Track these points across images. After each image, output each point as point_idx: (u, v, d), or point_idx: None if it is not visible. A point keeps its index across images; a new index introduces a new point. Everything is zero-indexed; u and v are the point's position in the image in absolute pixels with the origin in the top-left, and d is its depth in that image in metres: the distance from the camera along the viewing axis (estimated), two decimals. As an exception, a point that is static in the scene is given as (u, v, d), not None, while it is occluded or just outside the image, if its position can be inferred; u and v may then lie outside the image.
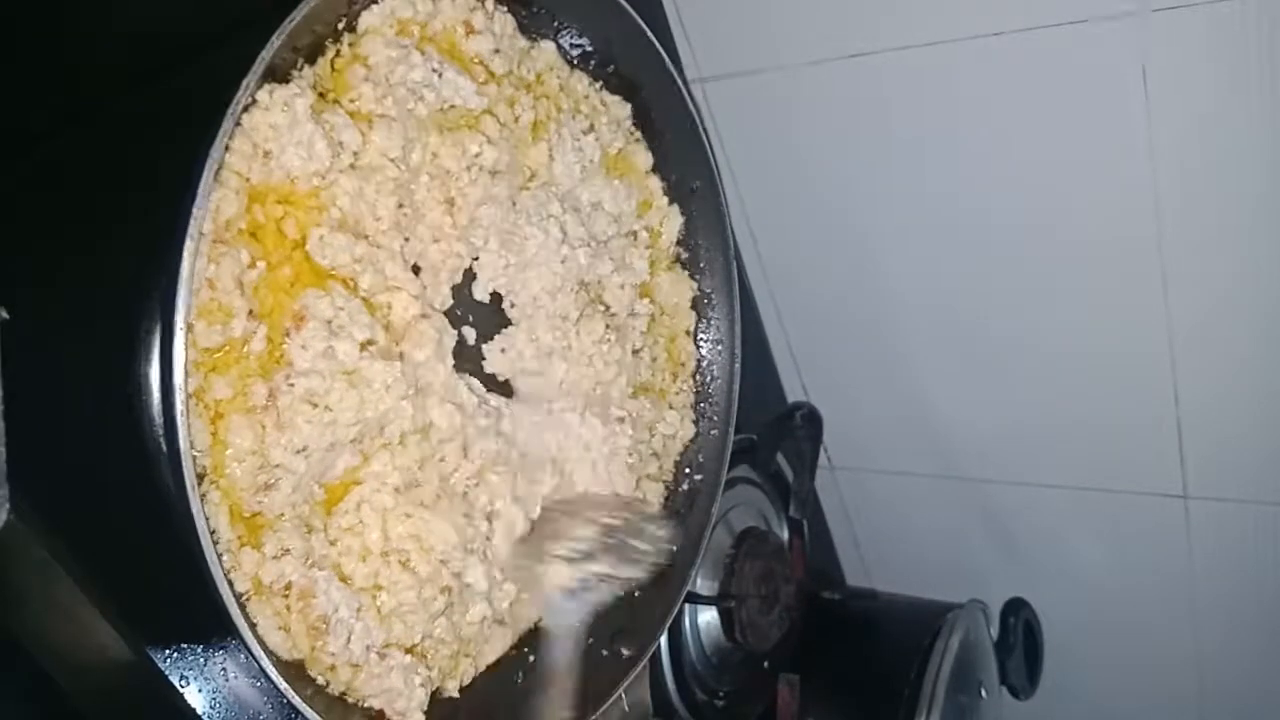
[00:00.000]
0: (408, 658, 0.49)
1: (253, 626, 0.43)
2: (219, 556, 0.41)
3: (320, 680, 0.46)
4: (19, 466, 0.36)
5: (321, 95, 0.48)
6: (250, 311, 0.44)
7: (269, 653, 0.43)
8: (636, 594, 0.62)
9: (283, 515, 0.45)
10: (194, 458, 0.40)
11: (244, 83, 0.40)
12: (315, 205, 0.47)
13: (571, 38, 0.60)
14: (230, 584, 0.42)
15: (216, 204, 0.42)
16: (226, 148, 0.42)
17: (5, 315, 0.37)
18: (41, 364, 0.40)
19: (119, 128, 0.48)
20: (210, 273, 0.42)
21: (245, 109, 0.43)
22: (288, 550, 0.45)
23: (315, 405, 0.45)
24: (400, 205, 0.50)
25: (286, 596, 0.45)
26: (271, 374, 0.44)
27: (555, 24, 0.59)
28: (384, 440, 0.49)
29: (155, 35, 0.50)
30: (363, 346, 0.47)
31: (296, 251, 0.46)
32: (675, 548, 0.59)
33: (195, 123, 0.41)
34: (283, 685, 0.42)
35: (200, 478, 0.42)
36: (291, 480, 0.45)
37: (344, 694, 0.47)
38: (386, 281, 0.49)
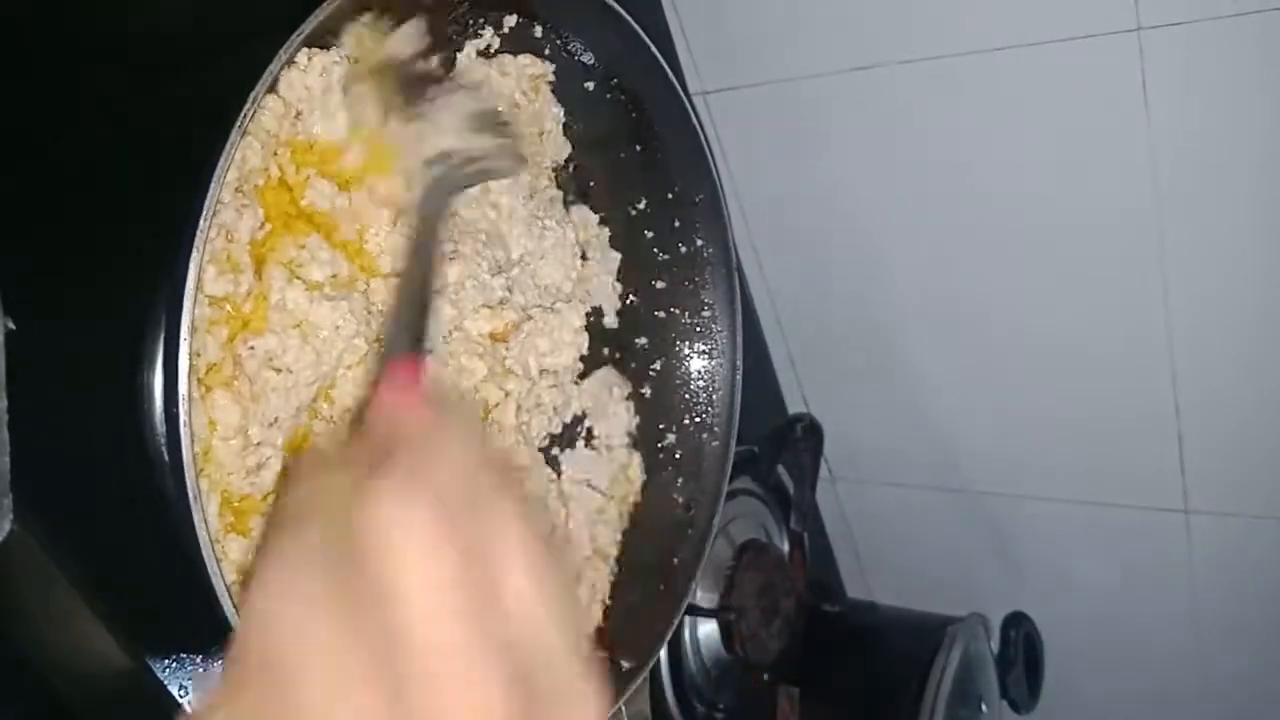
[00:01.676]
0: None
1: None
2: (214, 550, 0.40)
3: None
4: (22, 476, 0.37)
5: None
6: (255, 271, 0.44)
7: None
8: (637, 604, 0.62)
9: (269, 496, 0.45)
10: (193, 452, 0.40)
11: (252, 94, 0.40)
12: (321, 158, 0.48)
13: (576, 52, 0.60)
14: (225, 583, 0.41)
15: (243, 153, 0.43)
16: (245, 132, 0.42)
17: (11, 325, 0.37)
18: (44, 373, 0.40)
19: (123, 130, 0.48)
20: (229, 222, 0.43)
21: (283, 67, 0.43)
22: None
23: (278, 370, 0.45)
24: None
25: None
26: (235, 344, 0.44)
27: (561, 38, 0.59)
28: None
29: (159, 37, 0.50)
30: (315, 286, 0.46)
31: (292, 207, 0.47)
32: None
33: (201, 124, 0.41)
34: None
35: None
36: (279, 457, 0.45)
37: None
38: (365, 227, 0.49)
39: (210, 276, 0.42)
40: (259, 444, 0.44)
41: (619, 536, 0.64)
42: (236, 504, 0.44)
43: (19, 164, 0.44)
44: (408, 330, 0.37)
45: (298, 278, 0.45)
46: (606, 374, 0.65)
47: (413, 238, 0.44)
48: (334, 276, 0.47)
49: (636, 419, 0.66)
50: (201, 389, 0.43)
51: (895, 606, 0.94)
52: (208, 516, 0.41)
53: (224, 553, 0.43)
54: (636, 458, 0.66)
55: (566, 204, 0.62)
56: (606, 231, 0.65)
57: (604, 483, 0.63)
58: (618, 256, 0.65)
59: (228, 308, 0.44)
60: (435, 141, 0.47)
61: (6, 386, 0.36)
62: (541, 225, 0.57)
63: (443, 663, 0.23)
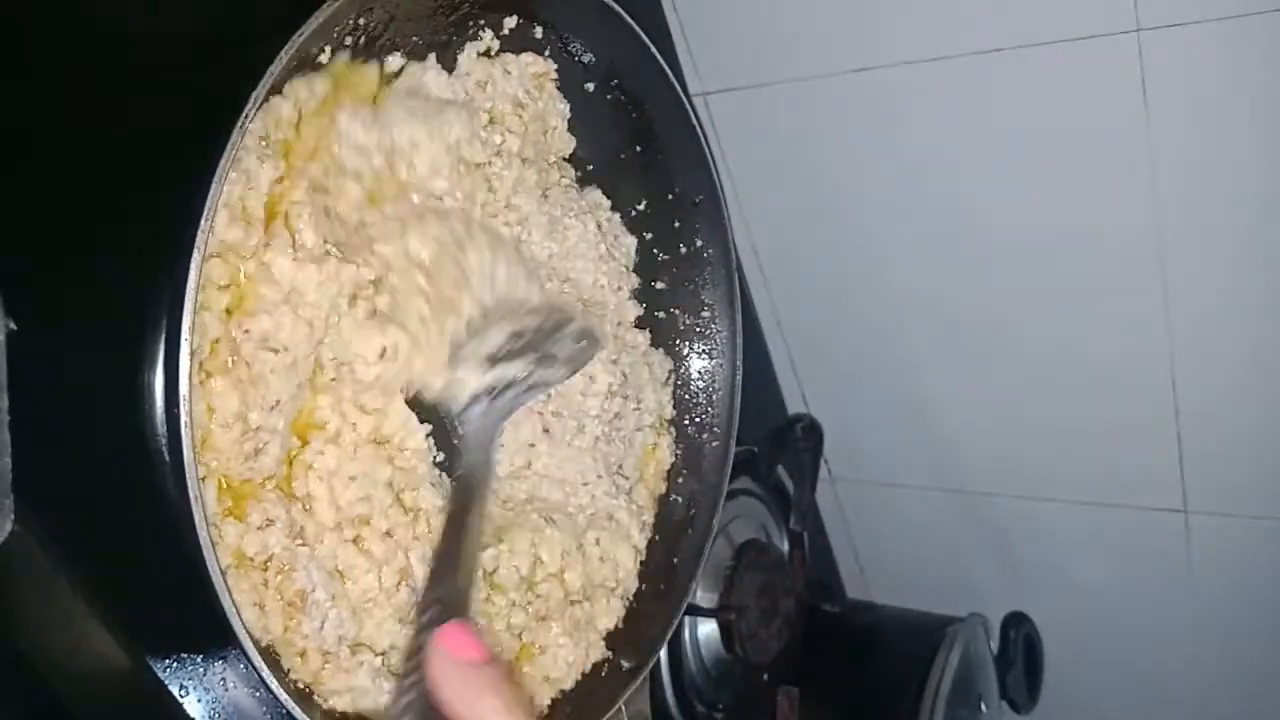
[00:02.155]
0: (379, 659, 0.48)
1: (239, 611, 0.42)
2: (214, 550, 0.40)
3: (290, 672, 0.45)
4: (22, 476, 0.37)
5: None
6: (265, 227, 0.44)
7: (252, 636, 0.42)
8: (636, 604, 0.62)
9: (268, 481, 0.45)
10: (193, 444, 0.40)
11: (253, 94, 0.40)
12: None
13: (576, 53, 0.60)
14: (223, 574, 0.40)
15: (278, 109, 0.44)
16: (235, 156, 0.42)
17: (13, 326, 0.37)
18: (44, 373, 0.40)
19: (123, 130, 0.48)
20: (250, 168, 0.43)
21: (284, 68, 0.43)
22: (273, 521, 0.44)
23: (275, 350, 0.45)
24: None
25: (265, 570, 0.44)
26: (229, 327, 0.44)
27: (561, 39, 0.59)
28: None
29: (159, 37, 0.50)
30: (303, 248, 0.46)
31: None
32: (593, 352, 0.56)
33: (201, 124, 0.41)
34: (265, 673, 0.41)
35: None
36: (278, 440, 0.45)
37: (310, 686, 0.46)
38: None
39: (223, 219, 0.42)
40: (258, 429, 0.44)
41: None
42: (235, 487, 0.44)
43: (19, 164, 0.44)
44: (451, 599, 0.39)
45: (289, 230, 0.45)
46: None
47: (454, 501, 0.45)
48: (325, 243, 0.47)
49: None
50: (201, 374, 0.43)
51: (895, 606, 0.94)
52: (205, 503, 0.41)
53: (219, 536, 0.43)
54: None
55: (578, 185, 0.62)
56: (618, 216, 0.65)
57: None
58: (633, 241, 0.65)
59: (232, 260, 0.43)
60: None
61: (7, 386, 0.36)
62: (563, 226, 0.57)
63: None
